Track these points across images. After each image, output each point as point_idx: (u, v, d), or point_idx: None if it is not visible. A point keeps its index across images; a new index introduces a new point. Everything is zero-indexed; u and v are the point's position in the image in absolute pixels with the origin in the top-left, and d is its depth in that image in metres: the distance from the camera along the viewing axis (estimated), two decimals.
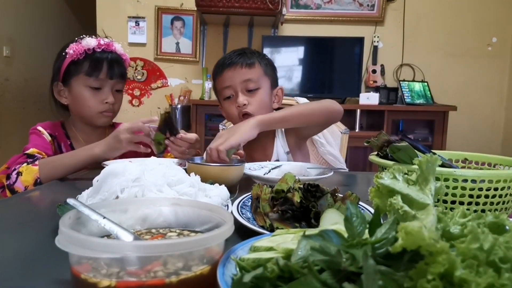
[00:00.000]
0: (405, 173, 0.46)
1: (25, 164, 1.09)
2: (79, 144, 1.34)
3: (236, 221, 0.51)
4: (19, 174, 1.06)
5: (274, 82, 1.37)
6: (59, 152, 1.27)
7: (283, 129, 1.39)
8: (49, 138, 1.28)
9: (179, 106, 3.44)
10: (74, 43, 1.27)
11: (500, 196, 0.62)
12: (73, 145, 1.34)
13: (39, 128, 1.29)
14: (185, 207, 0.50)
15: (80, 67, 1.26)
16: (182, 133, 1.13)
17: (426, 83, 3.48)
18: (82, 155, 1.11)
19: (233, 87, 1.29)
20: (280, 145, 1.39)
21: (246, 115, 1.27)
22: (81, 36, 1.29)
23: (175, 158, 1.17)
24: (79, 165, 1.11)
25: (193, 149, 1.16)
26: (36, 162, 1.10)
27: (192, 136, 1.15)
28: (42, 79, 4.48)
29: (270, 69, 1.35)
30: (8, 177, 1.08)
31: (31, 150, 1.18)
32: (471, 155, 0.78)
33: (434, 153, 0.70)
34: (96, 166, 1.10)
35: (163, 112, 1.12)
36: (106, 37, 1.36)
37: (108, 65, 1.28)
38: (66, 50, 1.27)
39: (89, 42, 1.26)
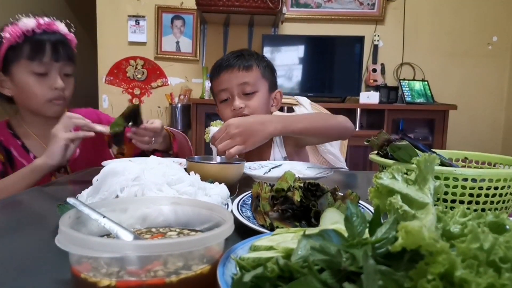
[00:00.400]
0: (405, 173, 0.46)
1: None
2: (32, 141, 1.21)
3: (236, 220, 0.51)
4: None
5: (272, 85, 1.34)
6: (8, 162, 1.16)
7: (281, 136, 1.37)
8: None
9: (179, 105, 3.44)
10: (9, 26, 1.13)
11: (500, 195, 0.61)
12: (25, 144, 1.21)
13: None
14: (185, 206, 0.50)
15: (20, 52, 1.11)
16: (146, 124, 1.09)
17: (426, 82, 3.48)
18: (23, 172, 1.01)
19: (230, 90, 1.27)
20: (277, 151, 1.37)
21: None
22: (17, 17, 1.15)
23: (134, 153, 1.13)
24: (25, 182, 1.01)
25: (159, 137, 1.12)
26: None
27: (156, 124, 1.10)
28: None
29: (269, 72, 1.33)
30: None
31: None
32: (471, 154, 0.78)
33: (434, 152, 0.70)
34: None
35: (131, 105, 1.08)
36: (46, 16, 1.21)
37: (52, 47, 1.13)
38: (1, 34, 1.12)
39: (27, 23, 1.12)
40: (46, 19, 1.16)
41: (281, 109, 2.02)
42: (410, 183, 0.44)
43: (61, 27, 1.19)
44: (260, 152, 1.35)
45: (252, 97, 1.26)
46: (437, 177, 0.62)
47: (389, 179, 0.44)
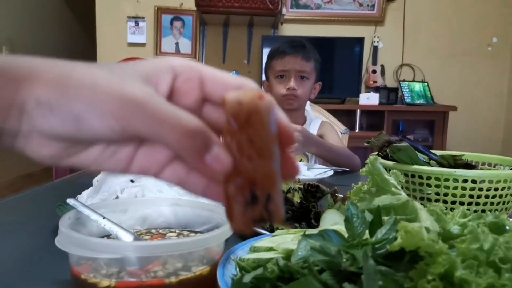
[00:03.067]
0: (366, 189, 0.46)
1: None
2: None
3: None
4: None
5: (317, 77, 1.56)
6: None
7: (317, 124, 1.58)
8: None
9: None
10: None
11: (500, 196, 0.61)
12: None
13: None
14: (185, 207, 0.50)
15: None
16: None
17: (426, 83, 3.48)
18: None
19: (289, 72, 1.47)
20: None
21: (290, 97, 1.46)
22: None
23: None
24: None
25: None
26: None
27: None
28: None
29: (318, 66, 1.55)
30: None
31: None
32: (471, 155, 0.78)
33: (434, 154, 0.70)
34: None
35: None
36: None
37: None
38: None
39: None
40: None
41: None
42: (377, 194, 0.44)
43: None
44: None
45: (304, 83, 1.49)
46: (437, 179, 0.62)
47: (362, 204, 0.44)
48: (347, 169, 1.32)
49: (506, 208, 0.64)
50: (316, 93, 1.60)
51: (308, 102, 1.67)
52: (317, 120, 1.63)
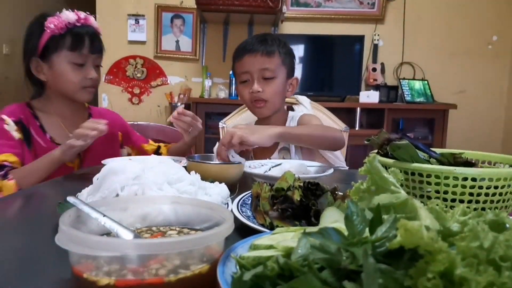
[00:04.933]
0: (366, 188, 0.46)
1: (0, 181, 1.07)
2: (50, 122, 1.29)
3: (236, 220, 0.51)
4: None
5: (290, 71, 1.39)
6: (25, 140, 1.23)
7: (297, 119, 1.44)
8: (14, 127, 1.21)
9: (179, 104, 3.44)
10: (53, 17, 1.21)
11: (500, 194, 0.61)
12: (43, 125, 1.28)
13: (3, 117, 1.21)
14: (185, 205, 0.50)
15: (62, 42, 1.21)
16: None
17: (426, 82, 3.48)
18: (44, 165, 1.11)
19: (251, 73, 1.32)
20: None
21: (258, 101, 1.33)
22: (59, 11, 1.24)
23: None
24: (46, 171, 1.11)
25: (196, 129, 1.29)
26: (10, 177, 1.08)
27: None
28: None
29: (289, 58, 1.38)
30: None
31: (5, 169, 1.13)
32: (471, 153, 0.78)
33: (433, 152, 0.70)
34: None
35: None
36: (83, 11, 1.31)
37: (90, 40, 1.24)
38: (46, 24, 1.21)
39: (69, 16, 1.20)
40: (83, 14, 1.26)
41: None
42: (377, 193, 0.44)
43: (93, 21, 1.29)
44: (264, 150, 1.38)
45: (270, 83, 1.32)
46: (437, 176, 0.62)
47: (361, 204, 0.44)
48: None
49: (506, 206, 0.64)
50: (293, 89, 1.43)
51: (308, 100, 1.67)
52: (298, 115, 1.47)
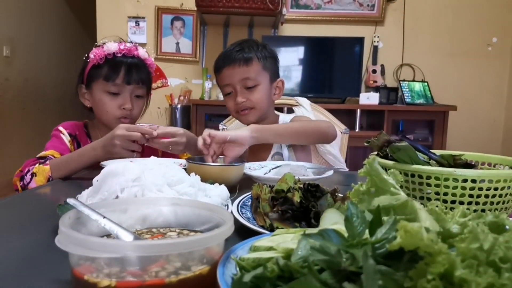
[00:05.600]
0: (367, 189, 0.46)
1: (37, 165, 1.10)
2: None
3: (236, 221, 0.51)
4: (33, 175, 1.08)
5: (274, 75, 1.37)
6: None
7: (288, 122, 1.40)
8: (69, 138, 1.29)
9: (179, 106, 3.44)
10: (96, 48, 1.28)
11: (500, 195, 0.61)
12: None
13: (60, 128, 1.31)
14: (185, 207, 0.50)
15: (100, 72, 1.27)
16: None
17: (426, 83, 3.48)
18: (86, 156, 1.11)
19: (232, 85, 1.30)
20: (279, 146, 1.38)
21: (244, 110, 1.31)
22: (104, 41, 1.29)
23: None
24: (85, 165, 1.12)
25: (178, 145, 1.19)
26: (47, 162, 1.11)
27: (168, 129, 1.18)
28: (42, 79, 4.49)
29: (270, 62, 1.35)
30: (21, 178, 1.09)
31: (45, 153, 1.19)
32: (471, 155, 0.78)
33: (433, 153, 0.70)
34: (95, 166, 1.10)
35: None
36: (131, 42, 1.35)
37: (126, 70, 1.27)
38: (89, 54, 1.28)
39: (110, 47, 1.26)
40: (128, 45, 1.30)
41: (281, 110, 2.02)
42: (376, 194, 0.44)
43: (141, 52, 1.32)
44: (257, 156, 1.37)
45: (253, 91, 1.30)
46: (437, 178, 0.62)
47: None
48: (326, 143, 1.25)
49: (506, 208, 0.64)
50: (280, 92, 1.40)
51: (308, 102, 1.67)
52: (288, 118, 1.43)
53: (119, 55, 1.26)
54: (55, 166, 1.09)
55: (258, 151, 1.37)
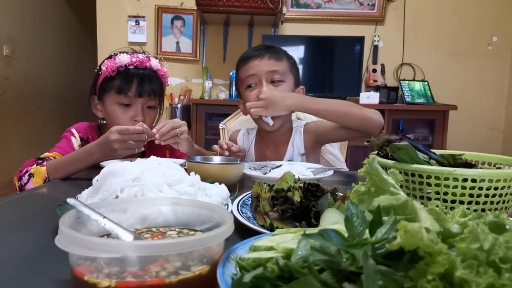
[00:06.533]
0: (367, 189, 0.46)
1: (35, 165, 1.10)
2: None
3: (236, 221, 0.51)
4: (31, 175, 1.08)
5: (296, 81, 1.37)
6: None
7: (301, 129, 1.38)
8: (79, 142, 1.29)
9: (179, 105, 3.44)
10: (108, 59, 1.27)
11: (500, 195, 0.61)
12: None
13: (73, 130, 1.31)
14: (184, 207, 0.50)
15: (112, 84, 1.26)
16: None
17: (426, 83, 3.48)
18: (83, 160, 1.10)
19: (258, 76, 1.28)
20: (296, 145, 1.36)
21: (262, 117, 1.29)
22: (116, 52, 1.29)
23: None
24: (81, 168, 1.12)
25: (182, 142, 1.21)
26: (44, 163, 1.11)
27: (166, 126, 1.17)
28: (43, 78, 4.49)
29: (295, 68, 1.36)
30: (20, 178, 1.09)
31: (48, 154, 1.20)
32: (471, 154, 0.78)
33: (433, 153, 0.70)
34: (95, 165, 1.10)
35: None
36: (144, 52, 1.34)
37: (138, 82, 1.26)
38: (101, 66, 1.28)
39: (122, 59, 1.25)
40: (141, 56, 1.28)
41: None
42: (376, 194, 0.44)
43: (153, 63, 1.31)
44: (277, 145, 1.38)
45: (279, 86, 1.29)
46: (437, 178, 0.62)
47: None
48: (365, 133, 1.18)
49: (506, 207, 0.64)
50: None
51: None
52: (302, 124, 1.42)
53: (131, 67, 1.25)
54: (52, 168, 1.09)
55: (270, 153, 1.37)
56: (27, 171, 1.09)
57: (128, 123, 1.27)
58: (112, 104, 1.28)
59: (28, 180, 1.07)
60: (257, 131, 1.45)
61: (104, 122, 1.37)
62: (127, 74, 1.25)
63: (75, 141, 1.28)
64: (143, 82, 1.26)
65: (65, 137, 1.29)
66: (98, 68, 1.30)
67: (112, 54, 1.29)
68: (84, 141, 1.31)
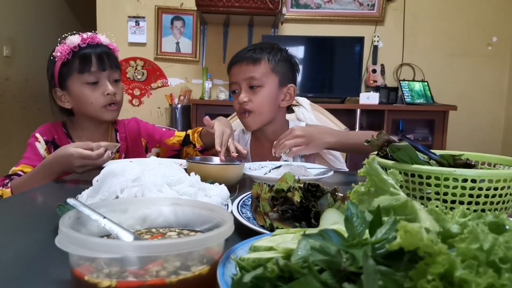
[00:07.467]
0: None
1: (1, 188, 1.10)
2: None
3: (236, 221, 0.51)
4: (0, 197, 1.08)
5: (285, 79, 1.34)
6: None
7: None
8: (45, 146, 1.27)
9: (179, 105, 3.44)
10: (59, 45, 1.26)
11: (500, 195, 0.61)
12: None
13: (37, 135, 1.28)
14: (185, 207, 0.50)
15: (71, 67, 1.25)
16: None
17: (426, 83, 3.48)
18: (43, 176, 1.07)
19: (238, 83, 1.31)
20: None
21: (244, 113, 1.31)
22: (63, 35, 1.28)
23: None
24: (44, 183, 1.07)
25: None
26: (9, 185, 1.10)
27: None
28: (42, 79, 4.48)
29: (283, 66, 1.33)
30: None
31: (15, 169, 1.18)
32: (471, 154, 0.78)
33: (433, 153, 0.70)
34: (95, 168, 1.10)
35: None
36: (94, 32, 1.33)
37: (97, 58, 1.25)
38: (54, 54, 1.26)
39: (73, 40, 1.24)
40: (89, 33, 1.28)
41: None
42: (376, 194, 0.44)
43: (102, 38, 1.32)
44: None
45: (257, 92, 1.29)
46: (437, 178, 0.62)
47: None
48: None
49: (506, 208, 0.64)
50: (291, 98, 1.36)
51: (308, 102, 1.67)
52: (301, 124, 1.41)
53: (84, 45, 1.24)
54: (16, 189, 1.08)
55: (265, 158, 1.37)
56: None
57: (101, 99, 1.26)
58: (79, 86, 1.26)
59: None
60: (252, 131, 1.45)
61: (72, 116, 1.36)
62: (83, 52, 1.24)
63: (41, 146, 1.26)
64: (102, 57, 1.26)
65: (30, 144, 1.27)
66: (51, 57, 1.27)
67: (60, 39, 1.28)
68: (50, 143, 1.29)
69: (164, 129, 1.54)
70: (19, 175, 1.16)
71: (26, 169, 1.18)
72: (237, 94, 1.32)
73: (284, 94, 1.35)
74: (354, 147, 1.20)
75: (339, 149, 1.26)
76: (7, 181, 1.13)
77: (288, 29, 3.61)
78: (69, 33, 1.28)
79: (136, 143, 1.44)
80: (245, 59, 1.29)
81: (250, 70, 1.28)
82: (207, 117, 1.23)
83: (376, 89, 3.49)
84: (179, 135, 1.47)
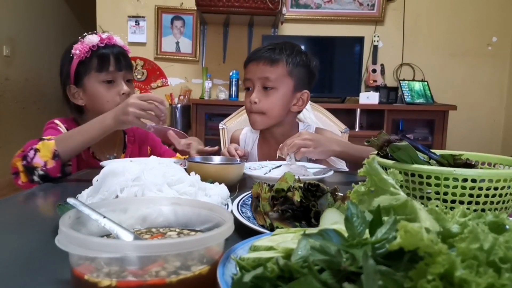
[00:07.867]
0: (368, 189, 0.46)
1: (40, 142, 1.07)
2: None
3: (236, 220, 0.51)
4: (36, 150, 1.04)
5: (300, 84, 1.32)
6: None
7: None
8: (65, 131, 1.28)
9: (179, 105, 3.44)
10: (77, 44, 1.27)
11: (500, 195, 0.61)
12: None
13: (56, 121, 1.30)
14: (185, 207, 0.50)
15: (89, 65, 1.27)
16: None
17: (426, 83, 3.48)
18: (94, 128, 1.09)
19: (252, 81, 1.29)
20: None
21: (254, 113, 1.29)
22: (84, 35, 1.29)
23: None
24: (94, 138, 1.10)
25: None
26: (52, 138, 1.09)
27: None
28: (42, 78, 4.49)
29: (300, 71, 1.30)
30: (24, 158, 1.05)
31: (46, 137, 1.16)
32: (471, 154, 0.78)
33: (433, 153, 0.70)
34: (95, 165, 1.10)
35: None
36: (104, 31, 1.35)
37: (115, 58, 1.28)
38: (72, 51, 1.27)
39: (92, 39, 1.26)
40: (106, 34, 1.30)
41: None
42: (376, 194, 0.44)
43: (118, 40, 1.34)
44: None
45: (270, 94, 1.27)
46: (437, 178, 0.62)
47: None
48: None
49: (506, 207, 0.64)
50: (303, 104, 1.34)
51: (309, 102, 1.67)
52: (311, 128, 1.41)
53: (102, 45, 1.27)
54: (60, 141, 1.06)
55: (272, 158, 1.37)
56: (31, 148, 1.05)
57: (116, 98, 1.28)
58: (95, 84, 1.28)
59: (35, 154, 1.03)
60: (261, 131, 1.45)
61: (82, 115, 1.37)
62: (102, 52, 1.27)
63: (62, 130, 1.28)
64: (118, 57, 1.29)
65: (51, 127, 1.28)
66: (69, 55, 1.29)
67: (80, 38, 1.29)
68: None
69: (167, 148, 1.56)
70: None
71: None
72: (250, 92, 1.31)
73: (297, 99, 1.33)
74: (355, 160, 1.20)
75: (342, 158, 1.27)
76: (46, 139, 1.09)
77: (288, 29, 3.61)
78: (89, 32, 1.30)
79: (141, 149, 1.46)
80: (263, 58, 1.26)
81: (267, 70, 1.26)
82: (171, 131, 1.29)
83: (376, 89, 3.49)
84: (180, 157, 1.48)
